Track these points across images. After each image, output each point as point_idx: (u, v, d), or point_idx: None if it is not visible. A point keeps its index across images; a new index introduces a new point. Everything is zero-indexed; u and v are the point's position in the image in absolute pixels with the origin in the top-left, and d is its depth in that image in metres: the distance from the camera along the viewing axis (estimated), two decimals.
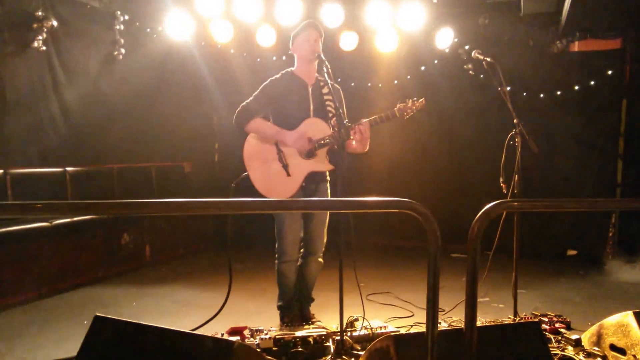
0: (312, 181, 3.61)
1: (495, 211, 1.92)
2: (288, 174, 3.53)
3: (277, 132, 3.55)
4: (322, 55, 3.45)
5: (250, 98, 3.62)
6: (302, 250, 3.78)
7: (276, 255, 3.70)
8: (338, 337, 3.21)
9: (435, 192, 6.76)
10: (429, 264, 1.85)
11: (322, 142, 3.50)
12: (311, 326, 3.51)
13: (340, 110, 3.36)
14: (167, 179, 7.04)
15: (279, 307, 3.82)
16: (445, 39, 6.14)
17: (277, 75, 3.67)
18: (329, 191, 3.75)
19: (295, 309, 3.82)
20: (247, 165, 3.61)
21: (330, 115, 3.54)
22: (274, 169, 3.55)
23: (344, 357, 3.14)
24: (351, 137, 3.38)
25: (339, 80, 6.61)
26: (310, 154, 3.53)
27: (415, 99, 3.46)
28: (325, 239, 3.75)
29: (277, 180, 3.54)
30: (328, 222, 3.76)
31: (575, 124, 6.21)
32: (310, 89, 3.64)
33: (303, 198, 3.58)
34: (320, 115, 3.59)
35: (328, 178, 3.74)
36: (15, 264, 4.44)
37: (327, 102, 3.57)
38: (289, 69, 3.72)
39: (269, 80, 3.65)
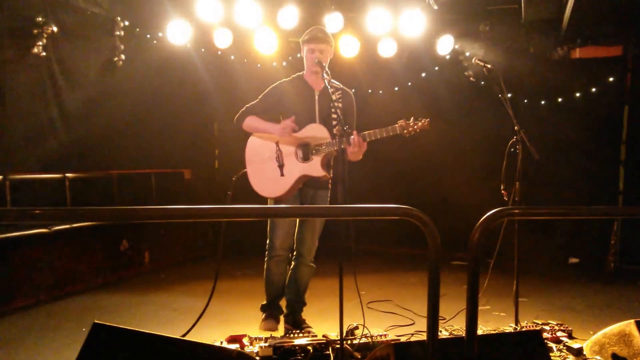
0: (311, 187, 3.65)
1: (496, 219, 1.91)
2: (282, 174, 3.58)
3: (265, 125, 3.63)
4: (321, 62, 3.47)
5: (256, 100, 3.71)
6: (294, 252, 3.82)
7: (266, 252, 3.76)
8: (338, 346, 3.18)
9: (436, 199, 6.74)
10: (429, 272, 1.83)
11: (319, 148, 3.51)
12: (303, 332, 3.51)
13: (343, 117, 3.35)
14: (167, 186, 7.02)
15: (262, 307, 3.84)
16: (446, 45, 6.14)
17: (288, 79, 3.74)
18: (328, 199, 3.76)
19: (277, 311, 3.84)
20: (247, 161, 3.69)
21: (335, 123, 3.53)
22: (270, 167, 3.61)
23: None
24: (350, 144, 3.37)
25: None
26: (305, 158, 3.55)
27: (420, 118, 3.42)
28: (315, 245, 3.78)
29: (270, 178, 3.60)
30: (323, 228, 3.78)
31: (577, 130, 6.22)
32: (317, 96, 3.66)
33: (298, 201, 3.67)
34: (325, 122, 3.60)
35: (330, 186, 3.74)
36: (14, 271, 4.42)
37: (333, 110, 3.56)
38: (299, 73, 3.76)
39: (277, 83, 3.72)
